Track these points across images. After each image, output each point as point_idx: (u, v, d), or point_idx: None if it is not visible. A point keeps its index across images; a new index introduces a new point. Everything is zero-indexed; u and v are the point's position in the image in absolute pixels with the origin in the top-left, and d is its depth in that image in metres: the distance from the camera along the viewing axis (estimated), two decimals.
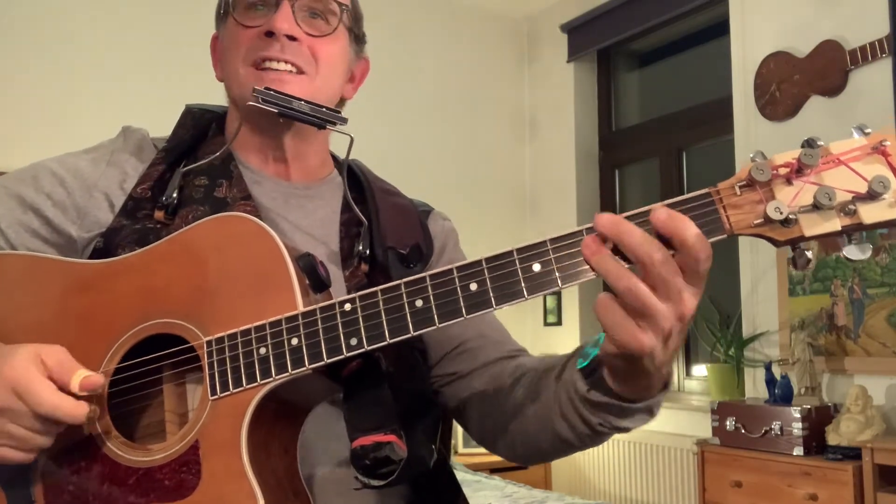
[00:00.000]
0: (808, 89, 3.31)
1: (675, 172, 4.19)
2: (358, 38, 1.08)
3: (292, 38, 0.98)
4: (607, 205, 4.61)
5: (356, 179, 1.09)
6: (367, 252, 0.99)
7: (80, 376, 0.81)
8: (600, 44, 4.48)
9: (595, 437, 0.87)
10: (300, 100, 0.95)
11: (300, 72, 0.99)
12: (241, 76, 0.98)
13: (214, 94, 1.15)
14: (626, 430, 0.85)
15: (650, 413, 0.83)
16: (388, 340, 0.76)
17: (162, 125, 1.11)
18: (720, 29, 3.87)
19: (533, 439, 0.93)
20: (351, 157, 1.05)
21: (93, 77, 3.66)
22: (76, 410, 0.80)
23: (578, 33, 4.59)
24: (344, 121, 0.97)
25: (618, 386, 0.79)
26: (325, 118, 0.96)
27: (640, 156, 4.48)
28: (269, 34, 0.97)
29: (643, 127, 4.50)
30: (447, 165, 4.50)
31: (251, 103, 0.95)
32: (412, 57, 4.50)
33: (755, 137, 3.52)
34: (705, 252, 0.69)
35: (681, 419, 3.82)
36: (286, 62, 0.98)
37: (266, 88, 0.95)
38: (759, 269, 3.47)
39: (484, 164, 4.75)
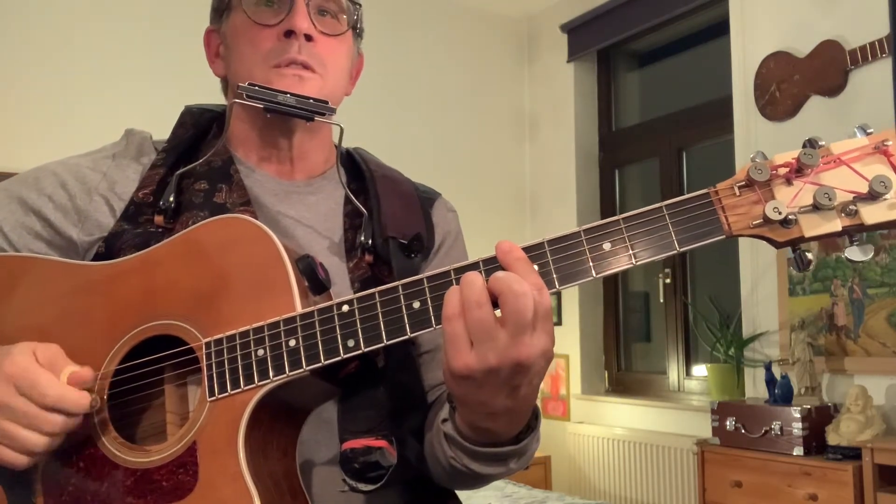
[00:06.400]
0: (808, 89, 3.31)
1: (675, 172, 4.19)
2: (359, 35, 1.07)
3: (308, 38, 0.97)
4: (607, 205, 4.61)
5: (357, 168, 1.08)
6: (370, 242, 0.97)
7: (68, 372, 0.82)
8: (600, 44, 4.48)
9: (455, 474, 0.86)
10: (285, 93, 0.93)
11: (312, 71, 0.97)
12: (261, 79, 0.96)
13: (217, 96, 1.14)
14: (480, 475, 0.84)
15: (502, 463, 0.83)
16: (386, 342, 0.76)
17: (165, 126, 1.10)
18: (720, 29, 3.86)
19: (433, 464, 0.92)
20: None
21: (94, 78, 3.65)
22: (81, 400, 0.81)
23: (578, 33, 4.59)
24: (332, 111, 0.96)
25: (462, 423, 0.80)
26: (312, 110, 0.94)
27: (640, 156, 4.47)
28: (289, 33, 0.96)
29: (643, 127, 4.49)
30: (447, 165, 4.49)
31: (235, 100, 0.94)
32: (412, 57, 4.50)
33: (755, 137, 3.52)
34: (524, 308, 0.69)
35: (681, 419, 3.82)
36: (302, 64, 0.96)
37: (250, 84, 0.93)
38: (759, 269, 3.47)
39: (484, 164, 4.74)
